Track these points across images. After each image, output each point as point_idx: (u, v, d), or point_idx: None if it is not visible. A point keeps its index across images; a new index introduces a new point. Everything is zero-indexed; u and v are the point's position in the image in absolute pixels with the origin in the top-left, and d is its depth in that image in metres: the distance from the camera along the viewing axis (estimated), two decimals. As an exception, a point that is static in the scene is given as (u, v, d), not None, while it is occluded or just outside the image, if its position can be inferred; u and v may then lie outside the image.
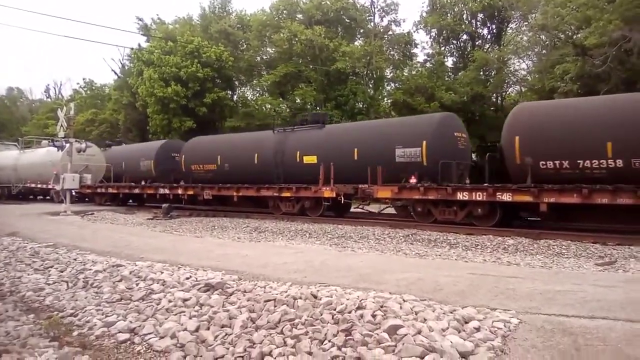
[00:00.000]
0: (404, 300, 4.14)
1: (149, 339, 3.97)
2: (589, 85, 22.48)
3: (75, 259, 7.11)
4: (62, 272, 6.48)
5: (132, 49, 39.79)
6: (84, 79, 68.10)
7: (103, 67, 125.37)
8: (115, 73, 47.30)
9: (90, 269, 6.30)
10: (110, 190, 22.28)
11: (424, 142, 13.11)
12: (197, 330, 3.99)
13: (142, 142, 31.09)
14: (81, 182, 22.69)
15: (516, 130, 11.91)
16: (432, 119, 14.57)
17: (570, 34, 26.93)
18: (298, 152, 16.15)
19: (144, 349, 3.87)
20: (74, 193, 23.46)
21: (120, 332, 4.15)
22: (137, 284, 5.43)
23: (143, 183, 20.67)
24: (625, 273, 6.85)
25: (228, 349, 3.61)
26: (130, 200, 23.19)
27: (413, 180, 12.85)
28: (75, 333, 4.25)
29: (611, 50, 20.68)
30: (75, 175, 22.30)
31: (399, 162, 13.53)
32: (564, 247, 9.26)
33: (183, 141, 23.65)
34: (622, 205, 9.79)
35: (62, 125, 18.53)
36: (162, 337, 3.95)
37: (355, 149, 14.62)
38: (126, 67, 43.75)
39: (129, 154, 24.47)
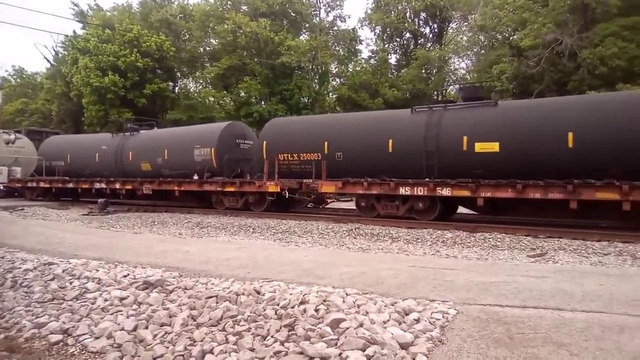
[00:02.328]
0: (347, 294, 4.18)
1: (84, 339, 3.79)
2: (523, 85, 23.61)
3: (2, 257, 6.69)
4: (-13, 271, 6.08)
5: (66, 35, 37.90)
6: (13, 66, 64.13)
7: (35, 54, 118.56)
8: (48, 61, 44.86)
9: (19, 268, 5.94)
10: (42, 184, 21.11)
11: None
12: (135, 329, 3.85)
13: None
14: (10, 176, 21.49)
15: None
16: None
17: (507, 35, 28.13)
18: (466, 138, 11.84)
19: (78, 350, 3.69)
20: (1, 187, 22.19)
21: (52, 333, 3.94)
22: (70, 283, 5.18)
23: (196, 177, 16.28)
24: (555, 264, 7.24)
25: (168, 347, 3.51)
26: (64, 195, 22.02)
27: None
28: (1, 336, 4.00)
29: (544, 52, 21.79)
30: (3, 168, 21.07)
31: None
32: (499, 239, 9.66)
33: (245, 124, 20.21)
34: (553, 199, 10.34)
35: (-12, 115, 17.43)
36: (97, 338, 3.79)
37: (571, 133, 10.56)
38: (60, 55, 41.56)
39: (170, 140, 18.54)
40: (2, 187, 22.25)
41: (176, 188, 16.78)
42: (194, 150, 16.85)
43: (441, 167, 12.16)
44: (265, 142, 15.46)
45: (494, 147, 11.45)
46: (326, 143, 13.99)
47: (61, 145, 23.16)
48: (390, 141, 12.95)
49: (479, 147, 11.66)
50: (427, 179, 12.04)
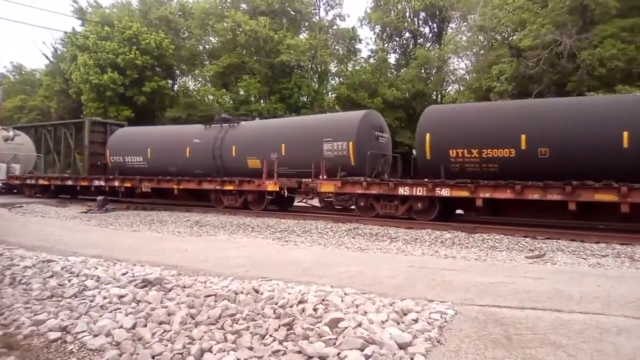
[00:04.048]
0: (346, 294, 4.19)
1: (82, 337, 3.79)
2: (522, 85, 23.64)
3: (1, 254, 6.69)
4: (-15, 268, 6.08)
5: (65, 32, 37.81)
6: (12, 63, 63.99)
7: (34, 51, 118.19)
8: (47, 57, 44.76)
9: (18, 265, 5.94)
10: (40, 181, 21.06)
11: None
12: (133, 327, 3.85)
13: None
14: (9, 173, 21.46)
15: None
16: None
17: (506, 35, 28.17)
18: None
19: (77, 347, 3.69)
20: (0, 184, 22.15)
21: (50, 330, 3.93)
22: (69, 280, 5.17)
23: (322, 177, 13.57)
24: (553, 265, 7.25)
25: (166, 346, 3.51)
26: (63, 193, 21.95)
27: None
28: (0, 333, 4.00)
29: (543, 52, 21.82)
30: (2, 165, 21.04)
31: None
32: (497, 240, 9.67)
33: (378, 113, 16.57)
34: (552, 201, 10.34)
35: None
36: (96, 335, 3.79)
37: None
38: (59, 52, 41.49)
39: (289, 132, 15.66)
40: (0, 184, 22.21)
41: (175, 186, 16.74)
42: (323, 145, 14.02)
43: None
44: (428, 134, 12.42)
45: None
46: (524, 136, 11.18)
47: (138, 138, 19.86)
48: (626, 134, 10.19)
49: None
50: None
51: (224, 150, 16.36)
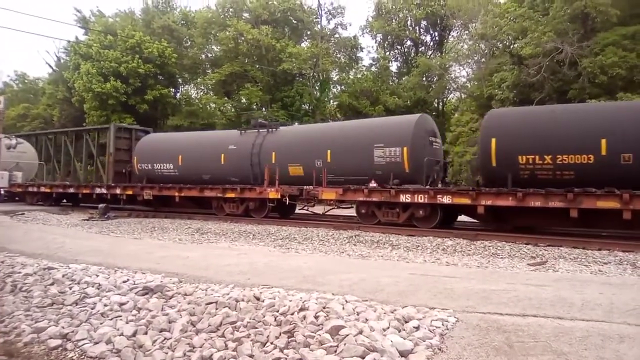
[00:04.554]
0: (347, 301, 4.18)
1: (83, 344, 3.79)
2: (524, 93, 23.67)
3: (2, 262, 6.69)
4: (-13, 276, 6.08)
5: (69, 41, 38.12)
6: (15, 71, 64.37)
7: (37, 60, 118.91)
8: (50, 66, 45.08)
9: (19, 272, 5.94)
10: (42, 189, 21.10)
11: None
12: (134, 335, 3.85)
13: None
14: (11, 180, 21.52)
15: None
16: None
17: (507, 43, 28.23)
18: None
19: (77, 355, 3.69)
20: (2, 192, 22.21)
21: (51, 338, 3.93)
22: (70, 288, 5.18)
23: (372, 185, 12.64)
24: (555, 272, 7.22)
25: (167, 353, 3.50)
26: (64, 200, 22.02)
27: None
28: (0, 340, 4.00)
29: (545, 60, 21.87)
30: (4, 173, 21.11)
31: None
32: (499, 248, 9.64)
33: (430, 117, 15.30)
34: (553, 208, 10.32)
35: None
36: (96, 343, 3.78)
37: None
38: (62, 61, 41.76)
39: (335, 138, 14.55)
40: (2, 192, 22.27)
41: (176, 194, 16.73)
42: (374, 151, 13.14)
43: None
44: (494, 139, 11.52)
45: None
46: (604, 141, 10.20)
47: (168, 144, 18.90)
48: None
49: None
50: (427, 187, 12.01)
51: (262, 156, 15.47)
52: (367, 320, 3.72)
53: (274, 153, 15.23)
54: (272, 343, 3.45)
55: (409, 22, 37.55)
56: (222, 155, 16.52)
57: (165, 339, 3.76)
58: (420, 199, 11.86)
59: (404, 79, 36.27)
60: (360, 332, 3.45)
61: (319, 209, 16.66)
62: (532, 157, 10.92)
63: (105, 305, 4.56)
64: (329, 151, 14.03)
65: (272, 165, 14.84)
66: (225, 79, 34.26)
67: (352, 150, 13.69)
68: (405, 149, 12.69)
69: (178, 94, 39.41)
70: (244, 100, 35.03)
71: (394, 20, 37.06)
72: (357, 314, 3.86)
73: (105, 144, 21.52)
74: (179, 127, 31.31)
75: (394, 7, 37.15)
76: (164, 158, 18.20)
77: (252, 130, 16.69)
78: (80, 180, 22.42)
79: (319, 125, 17.68)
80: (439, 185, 13.29)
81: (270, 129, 16.26)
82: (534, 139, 11.02)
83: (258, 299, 4.34)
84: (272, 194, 14.30)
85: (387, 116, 17.64)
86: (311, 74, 34.94)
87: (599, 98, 19.80)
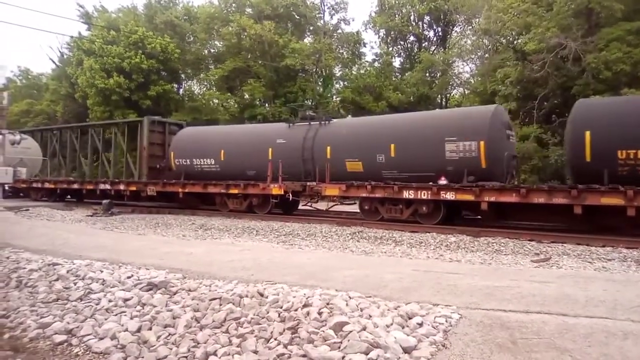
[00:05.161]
0: (350, 297, 4.19)
1: (88, 340, 3.81)
2: (527, 89, 23.58)
3: (7, 257, 6.73)
4: (-8, 271, 6.12)
5: (72, 37, 38.16)
6: (18, 67, 64.41)
7: (40, 55, 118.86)
8: (53, 62, 45.24)
9: (24, 268, 5.98)
10: (47, 185, 21.16)
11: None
12: (138, 330, 3.87)
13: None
14: (15, 176, 21.60)
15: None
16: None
17: (511, 39, 28.09)
18: None
19: (82, 350, 3.71)
20: (6, 188, 22.29)
21: (56, 333, 3.96)
22: (75, 284, 5.21)
23: (442, 181, 11.90)
24: (559, 269, 7.22)
25: (171, 349, 3.52)
26: (68, 196, 22.08)
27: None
28: (6, 336, 4.02)
29: (548, 56, 21.74)
30: (8, 169, 21.19)
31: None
32: (502, 244, 9.63)
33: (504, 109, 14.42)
34: (557, 204, 10.29)
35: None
36: (101, 339, 3.81)
37: None
38: (65, 56, 41.82)
39: (400, 131, 13.39)
40: (7, 188, 22.36)
41: (180, 190, 16.77)
42: (445, 145, 12.14)
43: None
44: (588, 132, 10.62)
45: None
46: None
47: (208, 138, 17.84)
48: None
49: None
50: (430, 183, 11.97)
51: (316, 151, 14.49)
52: (370, 316, 3.73)
53: (328, 147, 14.25)
54: (275, 339, 3.46)
55: (412, 18, 37.37)
56: (270, 149, 15.41)
57: (169, 334, 3.77)
58: (424, 195, 11.84)
59: (407, 74, 36.12)
60: (364, 329, 3.45)
61: (322, 205, 16.66)
62: (635, 152, 10.11)
63: (110, 300, 4.58)
64: (392, 145, 13.01)
65: (326, 161, 13.97)
66: (228, 74, 34.21)
67: (420, 144, 12.58)
68: (482, 142, 11.70)
69: (181, 90, 39.43)
70: (246, 96, 35.00)
71: (397, 16, 36.89)
72: (361, 310, 3.87)
73: (115, 138, 21.08)
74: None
75: (397, 2, 36.99)
76: (204, 153, 17.20)
77: (302, 123, 15.73)
78: (110, 176, 21.33)
79: (380, 117, 16.46)
80: (515, 182, 12.39)
81: (323, 121, 15.27)
82: (638, 132, 10.15)
83: (262, 295, 4.35)
84: (276, 190, 14.31)
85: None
86: (314, 70, 34.85)
87: (604, 94, 19.70)
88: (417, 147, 12.64)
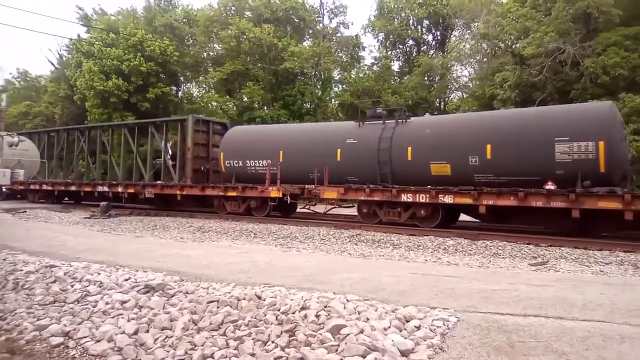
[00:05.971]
0: (348, 300, 4.18)
1: (85, 342, 3.81)
2: (526, 93, 23.65)
3: (4, 259, 6.71)
4: (-11, 273, 6.10)
5: (71, 39, 38.15)
6: (17, 69, 64.51)
7: (39, 57, 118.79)
8: (52, 64, 45.17)
9: (21, 270, 5.96)
10: (44, 187, 21.11)
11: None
12: (135, 333, 3.86)
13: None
14: (13, 178, 21.55)
15: None
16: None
17: (509, 43, 28.20)
18: None
19: (79, 353, 3.70)
20: (4, 189, 22.25)
21: (53, 335, 3.95)
22: (72, 286, 5.19)
23: (550, 186, 10.51)
24: (556, 273, 7.23)
25: (168, 352, 3.52)
26: (66, 198, 22.02)
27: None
28: (2, 338, 4.01)
29: (547, 60, 21.84)
30: (6, 171, 21.15)
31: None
32: (500, 247, 9.63)
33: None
34: (555, 208, 10.29)
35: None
36: (98, 341, 3.80)
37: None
38: (64, 58, 41.80)
39: (497, 130, 11.90)
40: (4, 189, 22.32)
41: (178, 192, 16.74)
42: (555, 146, 10.70)
43: None
44: None
45: None
46: None
47: (263, 138, 16.24)
48: None
49: None
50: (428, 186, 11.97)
51: (394, 152, 13.03)
52: (368, 319, 3.72)
53: (409, 148, 12.78)
54: (273, 342, 3.46)
55: (411, 22, 37.52)
56: (338, 150, 13.99)
57: (166, 337, 3.77)
58: (422, 198, 11.84)
59: (405, 78, 36.23)
60: (362, 332, 3.45)
61: (320, 208, 16.66)
62: None
63: (107, 303, 4.57)
64: (489, 146, 11.63)
65: (407, 163, 12.82)
66: (227, 77, 34.22)
67: (524, 144, 11.16)
68: (601, 143, 10.27)
69: (180, 93, 39.41)
70: (245, 99, 35.01)
71: (396, 20, 37.03)
72: (359, 313, 3.86)
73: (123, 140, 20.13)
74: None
75: (396, 6, 37.13)
76: (259, 154, 15.63)
77: (375, 121, 14.16)
78: (120, 178, 20.20)
79: (472, 114, 15.02)
80: (630, 188, 11.14)
81: (400, 120, 13.68)
82: None
83: (259, 297, 4.35)
84: (274, 192, 14.29)
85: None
86: (313, 73, 34.88)
87: (601, 98, 19.77)
88: (520, 148, 11.21)
